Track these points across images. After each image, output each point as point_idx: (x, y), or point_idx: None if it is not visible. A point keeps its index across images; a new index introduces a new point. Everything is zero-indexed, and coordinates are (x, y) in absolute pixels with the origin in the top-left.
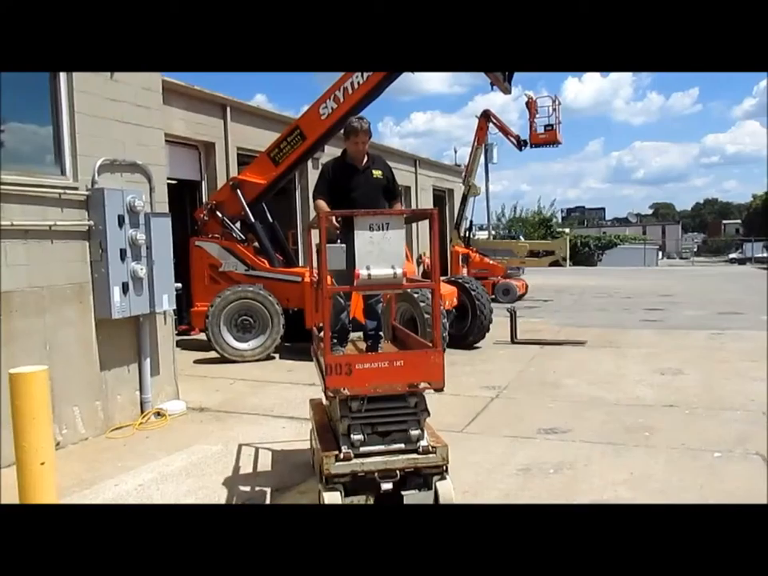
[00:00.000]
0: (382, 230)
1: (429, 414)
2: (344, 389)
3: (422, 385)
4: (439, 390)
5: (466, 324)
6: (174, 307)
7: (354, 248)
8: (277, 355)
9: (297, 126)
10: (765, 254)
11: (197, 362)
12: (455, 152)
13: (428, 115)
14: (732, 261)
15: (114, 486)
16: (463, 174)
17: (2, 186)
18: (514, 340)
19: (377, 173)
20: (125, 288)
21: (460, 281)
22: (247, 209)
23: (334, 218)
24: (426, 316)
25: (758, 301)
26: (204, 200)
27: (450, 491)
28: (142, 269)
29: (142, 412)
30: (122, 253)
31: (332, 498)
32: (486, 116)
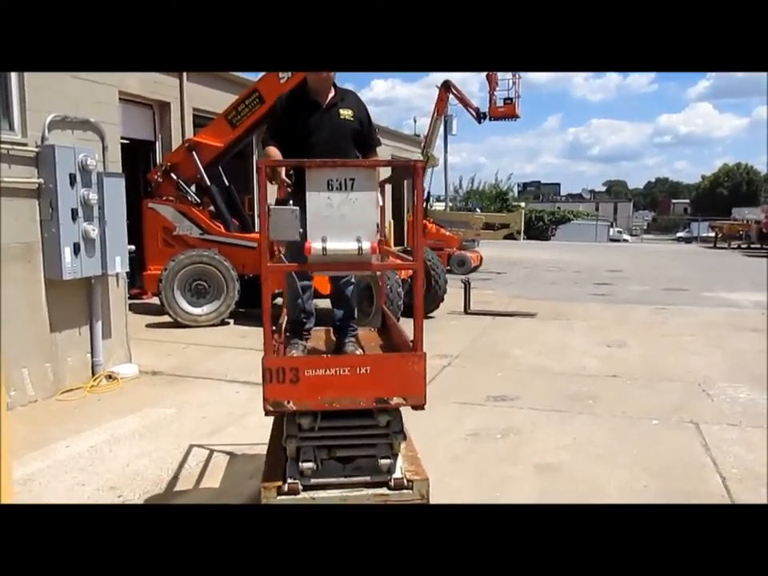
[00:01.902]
0: (345, 189)
1: (405, 438)
2: (288, 402)
3: (395, 400)
4: (419, 407)
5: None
6: (127, 270)
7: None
8: (231, 321)
9: (256, 89)
10: (710, 234)
11: (149, 326)
12: (415, 122)
13: (389, 83)
14: (679, 239)
15: (66, 448)
16: (422, 144)
17: None
18: (467, 311)
19: (345, 112)
20: (76, 249)
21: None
22: (203, 172)
23: (284, 170)
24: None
25: (700, 278)
26: (158, 161)
27: None
28: (94, 230)
29: (93, 375)
30: (74, 213)
31: None
32: (446, 87)
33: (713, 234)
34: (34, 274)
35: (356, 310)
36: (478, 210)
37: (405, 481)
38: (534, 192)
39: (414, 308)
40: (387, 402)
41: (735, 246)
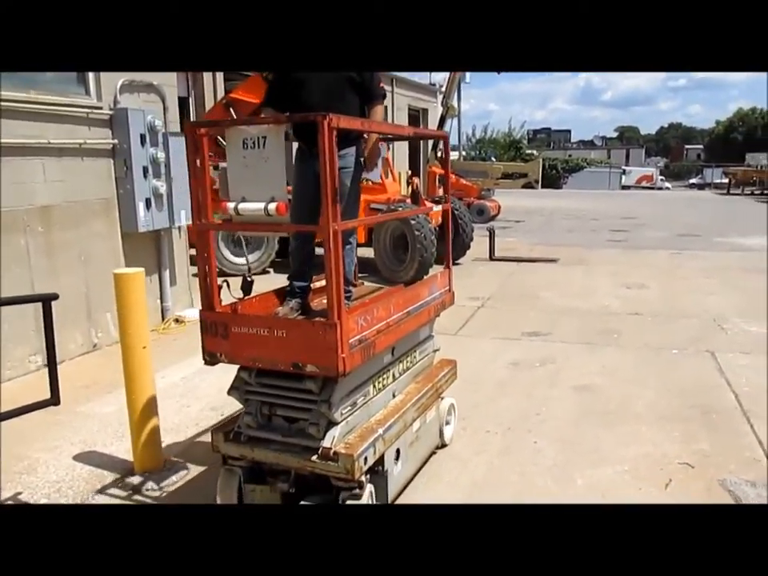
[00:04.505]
0: (258, 147)
1: (330, 407)
2: (220, 355)
3: (310, 368)
4: (331, 377)
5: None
6: (190, 222)
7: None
8: (271, 270)
9: None
10: (723, 180)
11: (196, 275)
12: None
13: None
14: (692, 186)
15: (161, 379)
16: (441, 94)
17: (39, 106)
18: (492, 257)
19: None
20: (148, 204)
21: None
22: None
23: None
24: (416, 233)
25: (713, 224)
26: (192, 117)
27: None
28: (162, 186)
29: (163, 319)
30: (145, 170)
31: (225, 478)
32: None
33: (726, 181)
34: (112, 227)
35: (349, 272)
36: (493, 158)
37: (331, 453)
38: (545, 139)
39: (326, 270)
40: (302, 368)
41: (749, 192)
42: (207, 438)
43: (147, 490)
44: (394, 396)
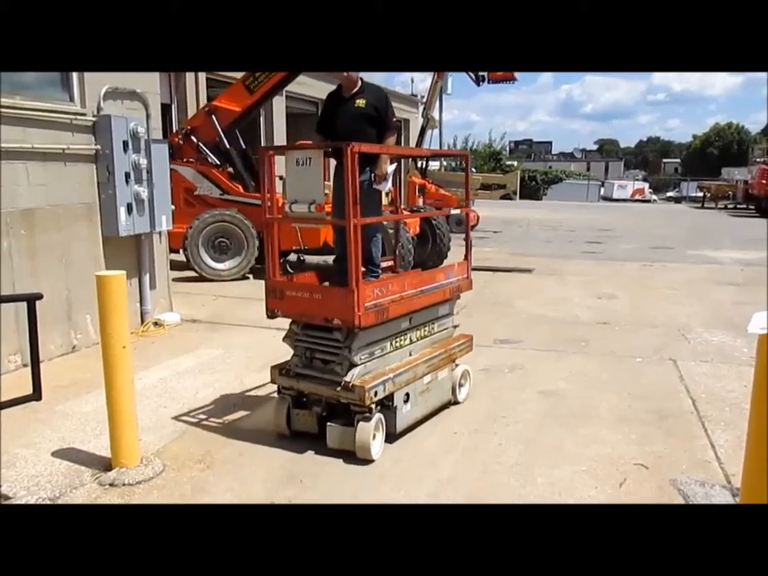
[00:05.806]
0: (306, 165)
1: (350, 351)
2: (278, 311)
3: (336, 321)
4: (350, 328)
5: (427, 250)
6: (171, 227)
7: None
8: (251, 276)
9: None
10: (699, 194)
11: (175, 280)
12: (412, 82)
13: None
14: (669, 199)
15: (138, 380)
16: (423, 106)
17: (24, 111)
18: None
19: (360, 101)
20: (129, 209)
21: (422, 210)
22: (222, 135)
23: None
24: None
25: (686, 237)
26: (174, 123)
27: (365, 434)
28: (144, 191)
29: (142, 322)
30: (127, 176)
31: (279, 403)
32: None
33: (701, 194)
34: (94, 231)
35: (376, 257)
36: (473, 170)
37: (350, 385)
38: (526, 150)
39: (348, 251)
40: (330, 321)
41: (722, 206)
42: (183, 437)
43: (124, 484)
44: (410, 355)
